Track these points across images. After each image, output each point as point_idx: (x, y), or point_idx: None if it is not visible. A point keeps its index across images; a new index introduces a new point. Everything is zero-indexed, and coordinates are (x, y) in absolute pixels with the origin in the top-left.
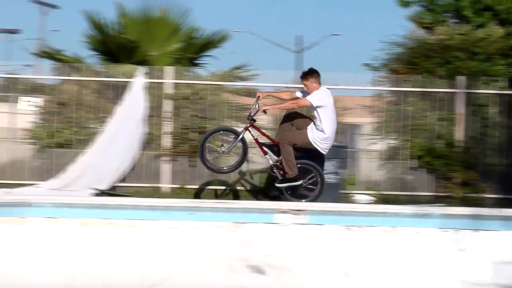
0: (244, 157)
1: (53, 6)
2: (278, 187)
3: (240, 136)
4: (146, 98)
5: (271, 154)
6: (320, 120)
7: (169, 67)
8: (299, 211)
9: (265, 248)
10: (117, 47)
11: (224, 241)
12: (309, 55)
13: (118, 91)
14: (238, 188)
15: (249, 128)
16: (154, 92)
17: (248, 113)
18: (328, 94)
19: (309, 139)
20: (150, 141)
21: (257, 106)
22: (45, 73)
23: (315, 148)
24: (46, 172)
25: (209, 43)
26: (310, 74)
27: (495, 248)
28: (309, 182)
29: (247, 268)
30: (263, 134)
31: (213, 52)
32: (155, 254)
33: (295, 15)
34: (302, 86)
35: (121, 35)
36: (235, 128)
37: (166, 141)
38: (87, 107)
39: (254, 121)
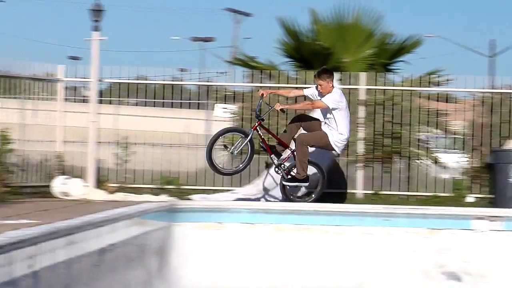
0: (251, 158)
1: (246, 14)
2: (284, 185)
3: (249, 137)
4: None
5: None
6: (336, 122)
7: (362, 73)
8: (495, 217)
9: (461, 254)
10: (310, 53)
11: (419, 247)
12: (502, 59)
13: None
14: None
15: (257, 128)
16: (348, 98)
17: (255, 112)
18: (342, 95)
19: (330, 142)
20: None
21: (268, 106)
22: (238, 80)
23: (333, 149)
24: (241, 178)
25: (402, 49)
26: (328, 74)
27: None
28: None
29: (443, 274)
30: (271, 134)
31: (405, 57)
32: (349, 260)
33: (488, 19)
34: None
35: (315, 42)
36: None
37: (360, 147)
38: (283, 113)
39: (263, 120)
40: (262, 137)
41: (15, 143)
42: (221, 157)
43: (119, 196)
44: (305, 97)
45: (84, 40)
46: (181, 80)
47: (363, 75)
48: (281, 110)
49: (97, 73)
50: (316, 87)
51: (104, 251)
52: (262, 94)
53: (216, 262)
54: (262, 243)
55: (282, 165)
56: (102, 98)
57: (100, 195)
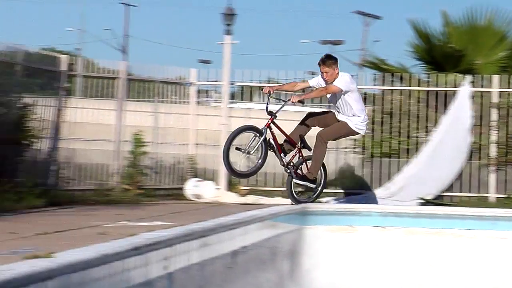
0: (265, 158)
1: (375, 17)
2: (296, 183)
3: (264, 135)
4: (471, 107)
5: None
6: (350, 106)
7: (495, 75)
8: None
9: None
10: (442, 56)
11: None
12: None
13: (443, 100)
14: None
15: (270, 125)
16: (480, 100)
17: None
18: (351, 78)
19: (351, 128)
20: (475, 151)
21: (281, 101)
22: (368, 83)
23: (358, 133)
24: (373, 181)
25: None
26: (333, 60)
27: None
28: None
29: None
30: (282, 131)
31: None
32: (481, 265)
33: None
34: None
35: (446, 44)
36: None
37: (493, 151)
38: (413, 117)
39: (276, 117)
40: (274, 134)
41: (148, 145)
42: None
43: (251, 198)
44: (312, 89)
45: (217, 44)
46: None
47: (495, 78)
48: (299, 101)
49: (229, 77)
50: (322, 76)
51: (237, 253)
52: (269, 91)
53: (348, 265)
54: (394, 247)
55: (291, 164)
56: (233, 101)
57: (232, 198)
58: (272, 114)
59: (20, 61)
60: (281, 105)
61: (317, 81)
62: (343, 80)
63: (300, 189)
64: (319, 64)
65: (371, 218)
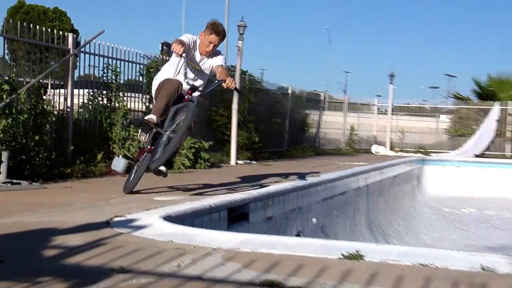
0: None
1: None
2: None
3: None
4: (498, 115)
5: None
6: None
7: (510, 101)
8: None
9: None
10: (486, 95)
11: None
12: None
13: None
14: None
15: None
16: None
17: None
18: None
19: None
20: (499, 135)
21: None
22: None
23: None
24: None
25: None
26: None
27: None
28: None
29: None
30: None
31: None
32: (504, 182)
33: None
34: None
35: (488, 88)
36: None
37: (508, 134)
38: (472, 120)
39: None
40: None
41: (357, 131)
42: None
43: (400, 153)
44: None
45: None
46: None
47: (510, 102)
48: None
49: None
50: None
51: (395, 176)
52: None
53: (442, 185)
54: (464, 175)
55: None
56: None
57: (392, 153)
58: None
59: (303, 95)
60: None
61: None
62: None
63: None
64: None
65: (452, 163)
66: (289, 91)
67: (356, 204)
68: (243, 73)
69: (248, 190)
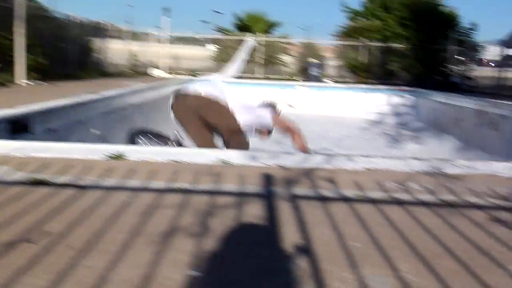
0: None
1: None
2: None
3: None
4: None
5: None
6: None
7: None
8: (304, 86)
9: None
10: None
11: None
12: None
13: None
14: None
15: None
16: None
17: None
18: None
19: None
20: None
21: None
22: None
23: None
24: None
25: None
26: None
27: (375, 99)
28: None
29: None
30: None
31: None
32: None
33: None
34: None
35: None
36: None
37: None
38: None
39: None
40: None
41: None
42: None
43: (174, 76)
44: None
45: None
46: None
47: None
48: None
49: None
50: None
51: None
52: None
53: None
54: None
55: None
56: None
57: (168, 75)
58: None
59: (89, 24)
60: None
61: None
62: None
63: None
64: None
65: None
66: (76, 20)
67: (133, 117)
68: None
69: (31, 104)
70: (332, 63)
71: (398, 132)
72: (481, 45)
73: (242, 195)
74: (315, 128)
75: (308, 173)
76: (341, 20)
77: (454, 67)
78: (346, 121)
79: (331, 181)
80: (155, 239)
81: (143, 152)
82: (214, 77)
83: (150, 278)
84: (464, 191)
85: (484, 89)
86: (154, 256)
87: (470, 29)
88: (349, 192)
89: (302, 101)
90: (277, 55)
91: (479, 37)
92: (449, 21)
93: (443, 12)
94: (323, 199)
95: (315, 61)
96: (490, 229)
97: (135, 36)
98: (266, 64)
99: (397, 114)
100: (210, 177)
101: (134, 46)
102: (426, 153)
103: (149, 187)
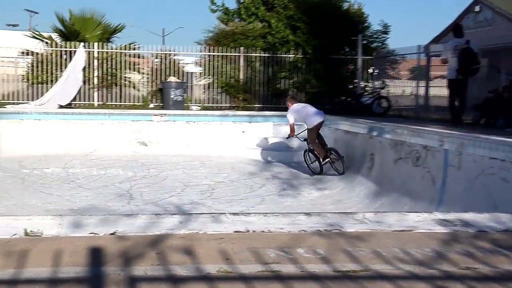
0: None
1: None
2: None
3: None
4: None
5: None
6: (299, 120)
7: (95, 43)
8: (163, 114)
9: (147, 133)
10: (69, 33)
11: (127, 130)
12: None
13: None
14: None
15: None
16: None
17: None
18: (293, 108)
19: (309, 127)
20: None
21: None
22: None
23: (311, 128)
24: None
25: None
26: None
27: (260, 130)
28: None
29: (138, 142)
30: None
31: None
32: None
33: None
34: None
35: (72, 26)
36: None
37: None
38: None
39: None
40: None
41: None
42: None
43: None
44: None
45: None
46: None
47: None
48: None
49: None
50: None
51: None
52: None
53: (24, 142)
54: (49, 130)
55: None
56: None
57: None
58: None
59: None
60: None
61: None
62: (288, 113)
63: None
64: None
65: (32, 115)
66: None
67: None
68: None
69: None
70: (201, 82)
71: (292, 174)
72: (399, 53)
73: (54, 283)
74: (178, 173)
75: (155, 243)
76: (211, 23)
77: (364, 83)
78: (221, 162)
79: (188, 252)
80: None
81: None
82: (29, 106)
83: None
84: (368, 256)
85: (404, 111)
86: None
87: (383, 32)
88: (212, 268)
89: (160, 137)
90: (122, 73)
91: (395, 43)
92: (356, 22)
93: (347, 10)
94: (175, 280)
95: (175, 80)
96: None
97: None
98: (107, 86)
99: (290, 149)
100: (8, 258)
101: None
102: (330, 202)
103: None
